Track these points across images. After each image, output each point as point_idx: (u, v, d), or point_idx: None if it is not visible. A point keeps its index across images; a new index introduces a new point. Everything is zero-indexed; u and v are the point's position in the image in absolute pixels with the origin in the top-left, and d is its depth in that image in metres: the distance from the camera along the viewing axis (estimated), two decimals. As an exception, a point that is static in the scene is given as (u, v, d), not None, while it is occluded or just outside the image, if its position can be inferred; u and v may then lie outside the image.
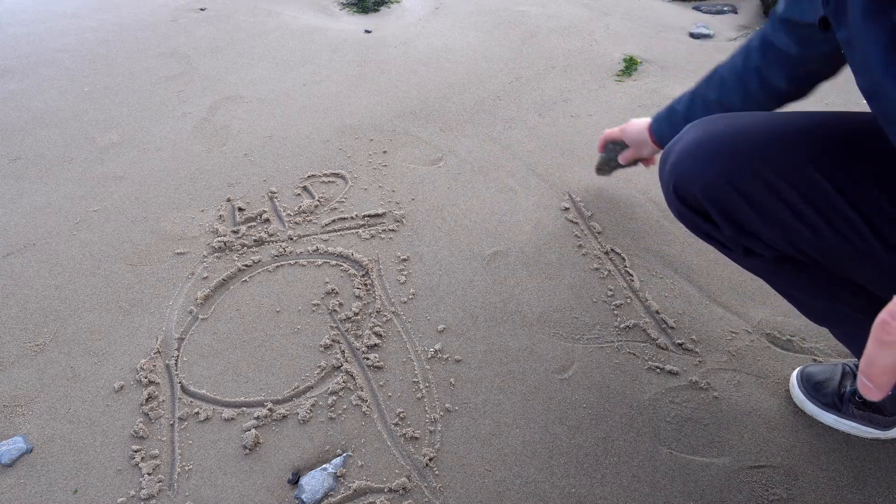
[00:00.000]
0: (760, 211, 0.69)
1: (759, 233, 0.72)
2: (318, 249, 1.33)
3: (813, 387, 0.98)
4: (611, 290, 1.22)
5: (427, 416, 1.00)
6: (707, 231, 0.79)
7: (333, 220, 1.41)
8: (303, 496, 0.89)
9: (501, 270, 1.27)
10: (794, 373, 1.03)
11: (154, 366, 1.09)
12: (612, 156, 1.36)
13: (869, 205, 0.63)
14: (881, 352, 0.34)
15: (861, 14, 0.53)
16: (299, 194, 1.50)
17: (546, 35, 2.36)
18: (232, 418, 1.01)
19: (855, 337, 0.84)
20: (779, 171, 0.67)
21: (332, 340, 1.13)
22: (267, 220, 1.41)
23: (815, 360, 1.07)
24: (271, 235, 1.37)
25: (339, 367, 1.08)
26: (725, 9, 2.61)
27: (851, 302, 0.75)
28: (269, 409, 1.01)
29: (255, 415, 1.01)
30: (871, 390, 0.35)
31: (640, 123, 1.26)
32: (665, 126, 1.17)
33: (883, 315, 0.33)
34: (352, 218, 1.42)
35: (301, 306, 1.20)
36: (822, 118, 0.71)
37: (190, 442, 0.98)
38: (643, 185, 1.51)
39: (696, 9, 2.65)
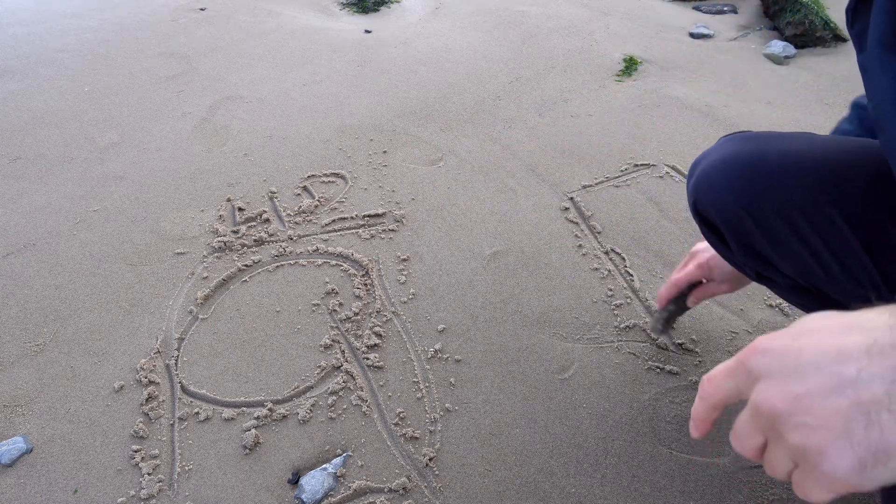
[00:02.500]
0: (775, 243, 0.68)
1: (773, 263, 0.71)
2: (318, 249, 1.33)
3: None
4: (611, 290, 1.22)
5: (427, 416, 1.00)
6: (722, 251, 0.78)
7: (333, 220, 1.41)
8: (303, 496, 0.89)
9: (501, 270, 1.27)
10: (794, 373, 1.02)
11: (154, 366, 1.09)
12: (678, 306, 1.04)
13: (883, 250, 0.62)
14: (698, 402, 0.41)
15: (878, 42, 0.52)
16: (299, 194, 1.50)
17: (546, 35, 2.36)
18: (232, 418, 1.01)
19: None
20: (798, 206, 0.65)
21: (332, 340, 1.13)
22: (267, 220, 1.41)
23: (815, 360, 1.07)
24: (271, 235, 1.37)
25: (339, 367, 1.08)
26: (725, 9, 2.61)
27: None
28: (269, 409, 1.01)
29: (255, 415, 1.01)
30: (693, 429, 0.42)
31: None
32: None
33: (706, 376, 0.40)
34: (352, 218, 1.42)
35: (301, 306, 1.20)
36: (847, 151, 0.68)
37: (190, 442, 0.98)
38: (643, 185, 1.51)
39: (696, 9, 2.65)
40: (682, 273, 0.99)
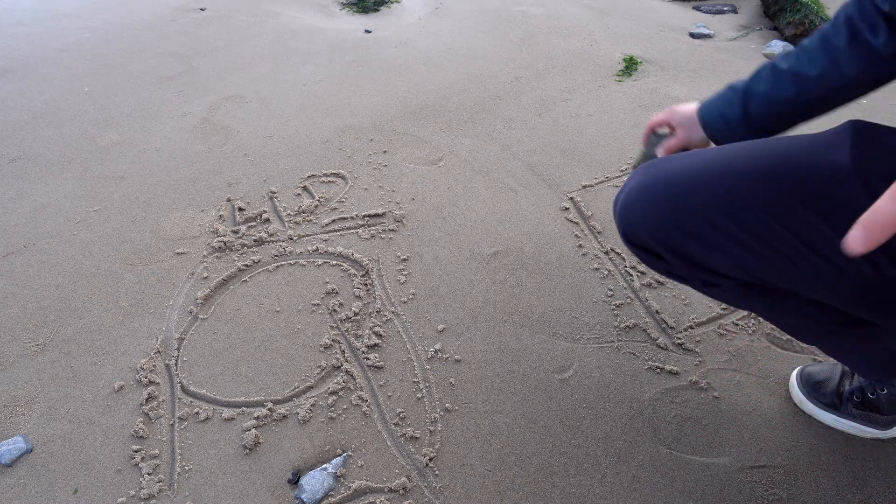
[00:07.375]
0: (705, 245, 0.71)
1: (711, 264, 0.73)
2: (318, 249, 1.33)
3: (812, 386, 0.98)
4: (611, 290, 1.22)
5: (427, 416, 1.00)
6: (664, 269, 0.80)
7: (333, 220, 1.41)
8: (303, 496, 0.89)
9: (501, 270, 1.27)
10: (794, 372, 1.03)
11: (154, 366, 1.09)
12: (652, 150, 1.10)
13: (802, 226, 0.63)
14: (892, 204, 0.34)
15: None
16: (299, 194, 1.50)
17: (546, 35, 2.36)
18: (232, 418, 1.01)
19: (842, 351, 0.84)
20: (715, 205, 0.68)
21: (332, 340, 1.13)
22: (267, 220, 1.41)
23: (814, 360, 1.07)
24: (271, 235, 1.37)
25: (339, 367, 1.08)
26: (725, 9, 2.61)
27: (821, 318, 0.76)
28: (269, 409, 1.01)
29: (255, 415, 1.01)
30: (857, 241, 0.35)
31: (689, 106, 0.98)
32: (718, 106, 0.89)
33: None
34: (352, 218, 1.42)
35: (301, 306, 1.20)
36: (757, 156, 0.70)
37: (190, 442, 0.98)
38: (643, 185, 1.51)
39: (696, 9, 2.65)
40: (654, 118, 1.05)
